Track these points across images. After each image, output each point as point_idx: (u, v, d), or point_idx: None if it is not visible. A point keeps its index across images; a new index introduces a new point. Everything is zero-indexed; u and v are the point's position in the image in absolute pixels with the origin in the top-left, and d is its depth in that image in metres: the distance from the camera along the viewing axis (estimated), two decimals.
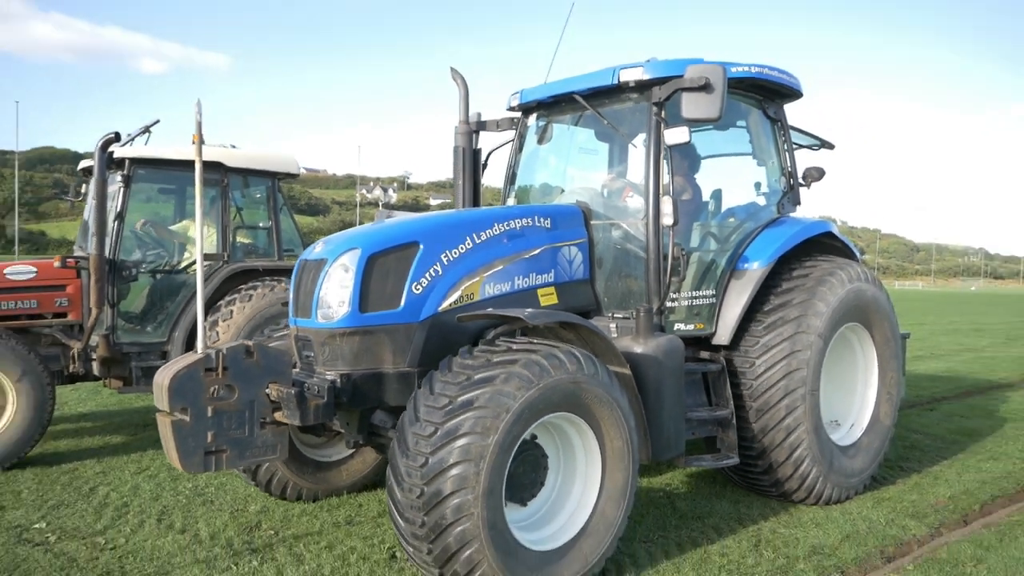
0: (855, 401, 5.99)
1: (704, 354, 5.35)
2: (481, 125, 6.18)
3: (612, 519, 3.96)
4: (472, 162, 6.01)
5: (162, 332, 6.83)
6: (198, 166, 3.85)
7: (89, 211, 6.53)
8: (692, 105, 4.60)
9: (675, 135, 4.78)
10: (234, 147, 7.46)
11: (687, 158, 5.91)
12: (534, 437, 3.96)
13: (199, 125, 3.81)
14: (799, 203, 5.95)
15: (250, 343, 3.92)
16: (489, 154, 6.28)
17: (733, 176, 6.33)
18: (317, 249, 4.43)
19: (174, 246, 7.36)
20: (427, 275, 4.28)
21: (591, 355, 3.89)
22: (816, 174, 6.00)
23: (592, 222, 5.21)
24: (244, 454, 3.91)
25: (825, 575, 4.34)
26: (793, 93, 5.80)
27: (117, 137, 6.35)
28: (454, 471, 3.36)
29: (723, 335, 5.27)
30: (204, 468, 3.77)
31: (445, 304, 4.32)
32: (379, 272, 4.16)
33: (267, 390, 3.95)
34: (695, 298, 5.28)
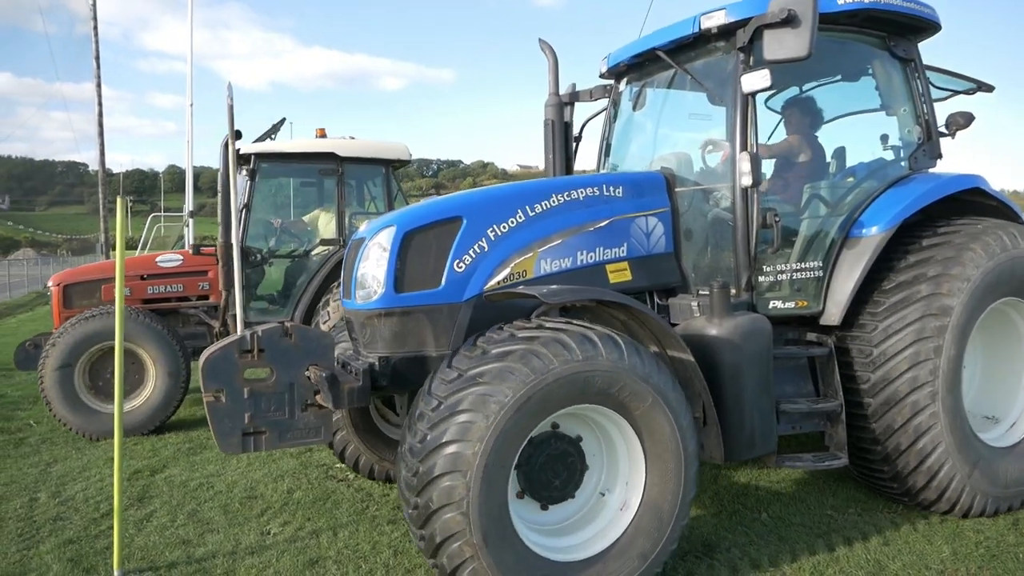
0: (1018, 394, 4.64)
1: (811, 336, 4.35)
2: (574, 96, 5.53)
3: (656, 534, 3.24)
4: (563, 136, 5.37)
5: (286, 312, 6.93)
6: (231, 153, 3.62)
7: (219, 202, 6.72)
8: (775, 43, 3.68)
9: (754, 80, 3.84)
10: (352, 138, 7.40)
11: (807, 114, 4.91)
12: (579, 438, 3.34)
13: (230, 108, 3.59)
14: (939, 156, 4.67)
15: (288, 324, 3.64)
16: (583, 126, 5.59)
17: (862, 131, 5.16)
18: (360, 228, 4.08)
19: (303, 235, 7.46)
20: (471, 252, 3.76)
21: (617, 337, 3.18)
22: (962, 120, 4.70)
23: (678, 189, 4.40)
24: (284, 436, 3.63)
25: None
26: (926, 26, 4.54)
27: (239, 135, 6.44)
28: (444, 482, 2.89)
29: (832, 314, 4.23)
30: (242, 449, 3.54)
31: (492, 283, 3.77)
32: (416, 250, 3.70)
33: (307, 372, 3.67)
34: (799, 271, 4.30)
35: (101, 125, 20.35)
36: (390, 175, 7.53)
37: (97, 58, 20.08)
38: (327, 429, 3.75)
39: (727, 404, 3.62)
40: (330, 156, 7.09)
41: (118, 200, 3.71)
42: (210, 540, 4.13)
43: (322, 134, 7.34)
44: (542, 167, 5.50)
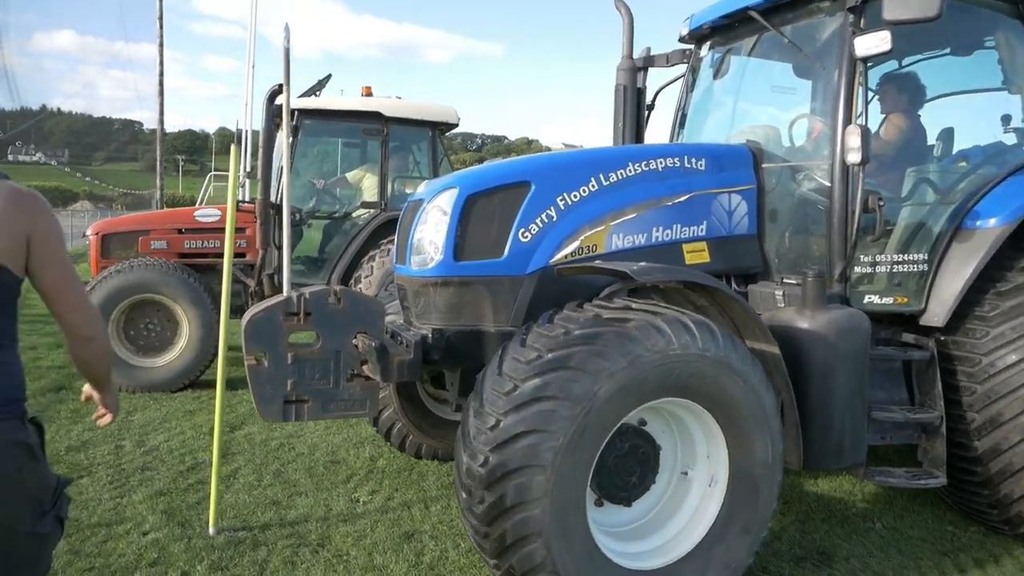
0: None
1: (908, 337, 3.97)
2: (649, 61, 5.14)
3: (755, 502, 2.99)
4: (635, 103, 5.02)
5: (323, 274, 6.73)
6: (286, 103, 3.37)
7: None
8: (899, 1, 3.27)
9: (870, 43, 3.42)
10: (399, 98, 7.12)
11: (905, 90, 4.47)
12: (642, 423, 3.05)
13: (287, 52, 3.30)
14: None
15: (337, 288, 3.39)
16: (657, 93, 5.22)
17: (976, 110, 4.71)
18: (419, 190, 3.80)
19: (344, 195, 7.23)
20: (538, 221, 3.45)
21: (711, 325, 2.88)
22: None
23: (765, 166, 4.03)
24: (328, 407, 3.41)
25: None
26: None
27: (281, 89, 6.19)
28: (519, 478, 2.63)
29: (937, 314, 3.83)
30: (283, 417, 3.34)
31: (559, 256, 3.47)
32: (479, 215, 3.40)
33: (355, 341, 3.42)
34: (899, 263, 3.91)
35: (162, 84, 20.87)
36: (436, 139, 7.25)
37: (160, 19, 20.38)
38: (373, 403, 3.52)
39: (813, 407, 3.29)
40: (375, 116, 6.82)
41: (232, 148, 3.71)
42: (300, 503, 4.11)
43: (368, 92, 7.06)
44: (586, 146, 5.16)
